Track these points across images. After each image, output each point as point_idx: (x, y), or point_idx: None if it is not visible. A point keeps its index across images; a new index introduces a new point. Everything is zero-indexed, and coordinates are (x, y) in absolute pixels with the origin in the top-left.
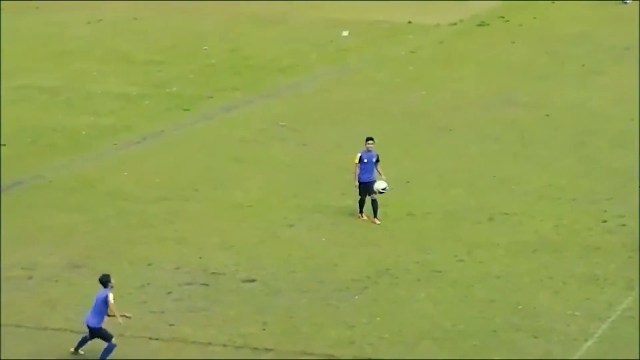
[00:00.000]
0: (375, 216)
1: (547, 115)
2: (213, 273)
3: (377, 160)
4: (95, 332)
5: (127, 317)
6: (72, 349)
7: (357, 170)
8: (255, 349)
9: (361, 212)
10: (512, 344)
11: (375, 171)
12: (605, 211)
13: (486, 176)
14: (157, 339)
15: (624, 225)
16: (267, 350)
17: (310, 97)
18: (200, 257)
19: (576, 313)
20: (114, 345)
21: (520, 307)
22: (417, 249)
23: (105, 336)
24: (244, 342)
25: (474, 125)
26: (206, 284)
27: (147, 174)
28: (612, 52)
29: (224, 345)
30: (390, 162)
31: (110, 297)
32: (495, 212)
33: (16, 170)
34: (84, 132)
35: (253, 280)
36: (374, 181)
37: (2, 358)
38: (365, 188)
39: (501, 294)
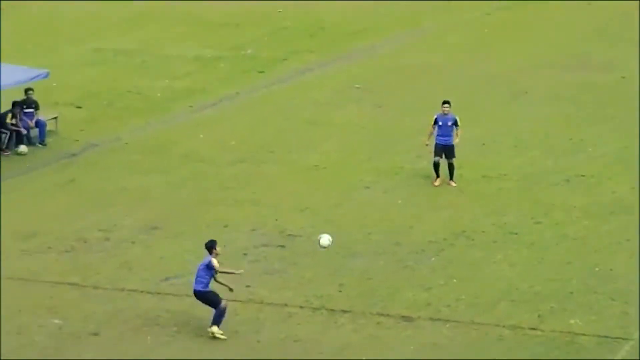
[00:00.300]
0: (451, 179)
1: (623, 77)
2: (289, 235)
3: (455, 124)
4: (201, 297)
5: (238, 273)
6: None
7: (434, 132)
8: (332, 310)
9: (437, 175)
10: (589, 306)
11: (453, 134)
12: None
13: (562, 138)
14: (233, 300)
15: None
16: (344, 311)
17: (385, 60)
18: (276, 219)
19: None
20: (224, 308)
21: (597, 269)
22: (493, 211)
23: (211, 301)
24: (321, 304)
25: (549, 88)
26: (282, 246)
27: (222, 137)
28: None
29: (301, 307)
30: (466, 124)
31: (214, 262)
32: (571, 174)
33: (92, 132)
34: (159, 95)
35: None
36: (453, 145)
37: (2, 358)
38: (442, 150)
39: (578, 256)
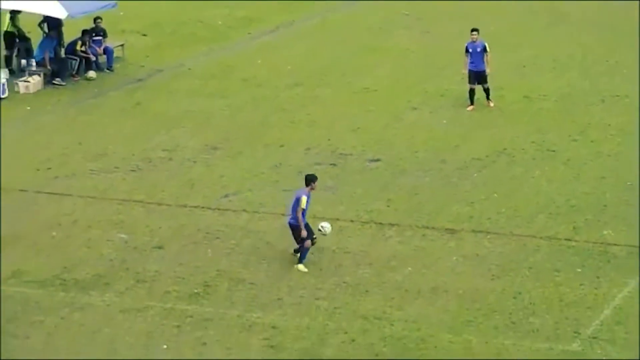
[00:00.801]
0: (488, 99)
1: None
2: (341, 154)
3: (485, 50)
4: (291, 230)
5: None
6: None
7: (467, 60)
8: (380, 224)
9: (472, 102)
10: (622, 218)
11: (484, 60)
12: None
13: (599, 61)
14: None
15: None
16: (392, 225)
17: None
18: (329, 139)
19: None
20: (307, 247)
21: (629, 183)
22: (533, 130)
23: (297, 237)
24: (370, 218)
25: (588, 15)
26: (334, 164)
27: (279, 62)
28: None
29: (351, 221)
30: (508, 48)
31: (303, 201)
32: (607, 94)
33: (157, 59)
34: (220, 23)
35: (378, 160)
36: (484, 70)
37: (2, 358)
38: (475, 77)
39: (612, 171)
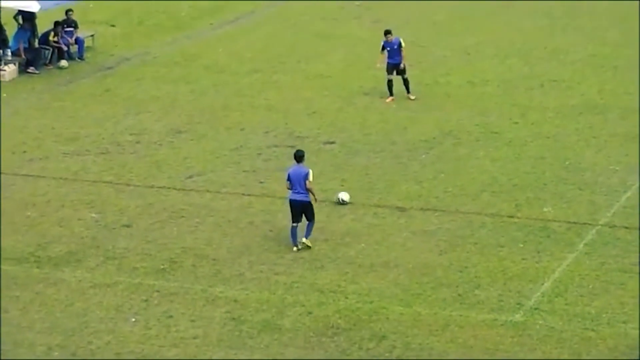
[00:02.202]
0: (408, 92)
1: None
2: (298, 136)
3: (400, 45)
4: (304, 208)
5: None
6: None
7: (384, 57)
8: (334, 203)
9: (391, 93)
10: (561, 196)
11: (401, 55)
12: None
13: (538, 47)
14: (249, 195)
15: None
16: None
17: None
18: (287, 123)
19: (617, 168)
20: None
21: (567, 163)
22: (477, 113)
23: (312, 214)
24: (326, 197)
25: (527, 3)
26: (292, 146)
27: (239, 50)
28: None
29: None
30: (453, 35)
31: (311, 175)
32: (545, 79)
33: (125, 47)
34: (184, 14)
35: (333, 142)
36: (400, 63)
37: (2, 358)
38: (393, 67)
39: (551, 151)
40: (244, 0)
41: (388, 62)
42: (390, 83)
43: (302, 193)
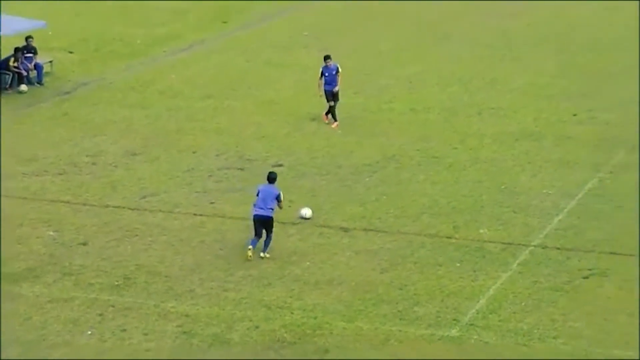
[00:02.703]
0: (335, 121)
1: (529, 24)
2: (248, 159)
3: (338, 71)
4: (268, 223)
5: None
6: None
7: (321, 82)
8: (283, 222)
9: (326, 114)
10: (497, 218)
11: (337, 80)
12: (578, 106)
13: (478, 77)
14: (201, 215)
15: (592, 117)
16: (293, 223)
17: (331, 8)
18: (237, 146)
19: (550, 192)
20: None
21: (503, 186)
22: (419, 138)
23: (272, 227)
24: (275, 218)
25: (468, 34)
26: (242, 169)
27: (192, 76)
28: None
29: None
30: (397, 64)
31: (281, 196)
32: (484, 107)
33: (83, 73)
34: (139, 41)
35: (281, 165)
36: (335, 87)
37: (2, 358)
38: (332, 95)
39: (488, 176)
40: (196, 29)
41: (326, 90)
42: (332, 109)
43: (267, 209)
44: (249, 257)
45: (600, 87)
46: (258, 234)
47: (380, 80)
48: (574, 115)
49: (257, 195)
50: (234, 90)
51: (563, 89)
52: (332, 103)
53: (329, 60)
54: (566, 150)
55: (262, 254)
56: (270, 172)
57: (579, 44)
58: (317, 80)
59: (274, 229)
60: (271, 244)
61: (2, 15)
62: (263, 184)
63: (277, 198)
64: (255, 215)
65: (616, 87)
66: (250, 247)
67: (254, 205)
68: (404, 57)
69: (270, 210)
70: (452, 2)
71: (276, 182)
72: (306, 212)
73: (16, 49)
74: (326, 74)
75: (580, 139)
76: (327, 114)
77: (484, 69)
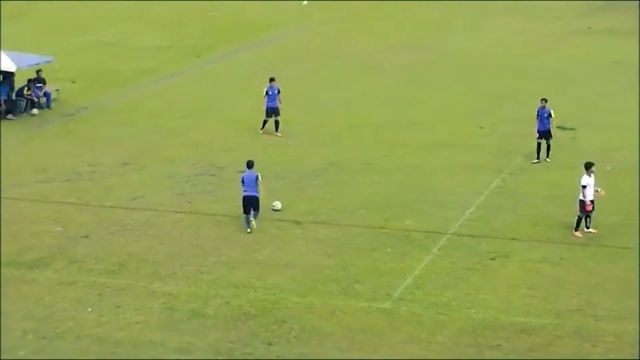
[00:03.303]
0: (277, 130)
1: (442, 55)
2: (218, 167)
3: (279, 92)
4: (256, 201)
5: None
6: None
7: (265, 100)
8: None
9: (263, 127)
10: (420, 211)
11: (278, 100)
12: (482, 121)
13: (402, 98)
14: (180, 212)
15: (494, 130)
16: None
17: (283, 45)
18: (209, 156)
19: (462, 190)
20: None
21: (425, 187)
22: (355, 148)
23: (259, 204)
24: (239, 213)
25: (394, 63)
26: (213, 174)
27: (173, 100)
28: (487, 9)
29: (225, 215)
30: (337, 89)
31: (260, 176)
32: (408, 122)
33: (84, 99)
34: (129, 73)
35: (245, 171)
36: (278, 107)
37: (2, 358)
38: (272, 111)
39: (413, 178)
40: (175, 63)
41: (268, 106)
42: (265, 122)
43: (253, 191)
44: (248, 232)
45: (499, 106)
46: (247, 212)
47: (323, 102)
48: (480, 128)
49: (243, 181)
50: (205, 112)
51: (470, 107)
52: (270, 118)
53: (273, 81)
54: (474, 156)
55: (253, 223)
56: (248, 160)
57: (481, 72)
58: (263, 97)
59: (260, 206)
60: (259, 214)
61: (19, 53)
62: (244, 171)
63: (257, 178)
64: (245, 197)
65: (511, 106)
66: (248, 228)
67: (243, 190)
68: (342, 83)
69: (256, 191)
70: (380, 39)
71: (254, 167)
72: (277, 203)
73: (29, 80)
74: (270, 93)
75: (486, 147)
76: (263, 127)
77: (407, 91)
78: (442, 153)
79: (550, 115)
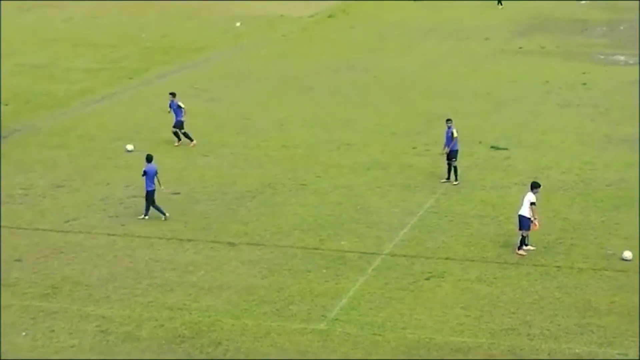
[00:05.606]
0: (188, 138)
1: (375, 76)
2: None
3: (179, 107)
4: (152, 195)
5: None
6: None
7: (172, 113)
8: (180, 239)
9: (179, 139)
10: (354, 232)
11: (182, 112)
12: (416, 141)
13: (335, 119)
14: (114, 235)
15: (428, 150)
16: (189, 240)
17: (216, 67)
18: (142, 179)
19: (396, 210)
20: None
21: (359, 207)
22: (289, 169)
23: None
24: (172, 235)
25: (327, 85)
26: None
27: (105, 123)
28: (419, 32)
29: (159, 238)
30: (270, 110)
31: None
32: (341, 143)
33: (16, 122)
34: (61, 95)
35: (178, 193)
36: (181, 117)
37: (2, 358)
38: (181, 124)
39: (346, 198)
40: (107, 85)
41: (177, 120)
42: (176, 134)
43: (150, 186)
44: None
45: (432, 126)
46: (150, 204)
47: (256, 123)
48: (413, 148)
49: (144, 174)
50: (138, 133)
51: (403, 127)
52: (175, 130)
53: (173, 97)
54: (408, 176)
55: (144, 217)
56: (147, 154)
57: (414, 93)
58: (167, 110)
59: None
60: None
61: None
62: (146, 165)
63: (156, 172)
64: (148, 191)
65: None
66: (146, 217)
67: (147, 183)
68: (275, 105)
69: (153, 185)
70: (314, 60)
71: (154, 160)
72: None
73: None
74: (173, 107)
75: (419, 167)
76: (179, 138)
77: (340, 112)
78: (375, 173)
79: (452, 135)
